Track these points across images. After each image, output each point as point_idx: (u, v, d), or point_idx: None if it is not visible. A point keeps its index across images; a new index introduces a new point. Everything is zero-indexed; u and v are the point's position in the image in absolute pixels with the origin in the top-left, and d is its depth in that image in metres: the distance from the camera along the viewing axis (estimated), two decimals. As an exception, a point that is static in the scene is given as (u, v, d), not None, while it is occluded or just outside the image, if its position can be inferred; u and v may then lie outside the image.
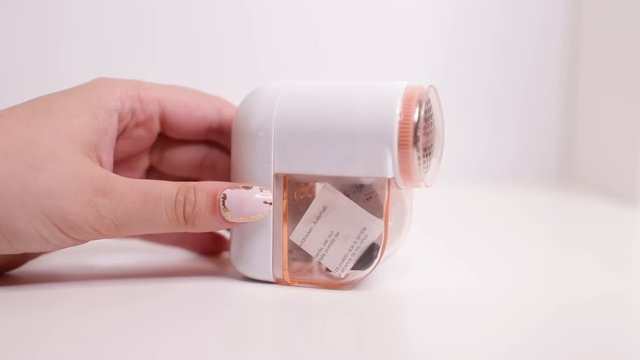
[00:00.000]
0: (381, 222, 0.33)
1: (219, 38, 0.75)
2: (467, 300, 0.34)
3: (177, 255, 0.42)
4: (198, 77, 0.72)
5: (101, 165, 0.35)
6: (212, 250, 0.42)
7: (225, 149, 0.40)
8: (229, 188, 0.33)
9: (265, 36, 0.75)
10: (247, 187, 0.34)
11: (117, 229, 0.32)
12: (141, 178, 0.40)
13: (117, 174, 0.38)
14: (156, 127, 0.38)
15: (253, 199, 0.33)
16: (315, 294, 0.34)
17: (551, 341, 0.29)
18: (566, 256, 0.45)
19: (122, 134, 0.37)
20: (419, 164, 0.33)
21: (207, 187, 0.33)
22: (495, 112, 0.79)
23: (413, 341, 0.30)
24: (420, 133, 0.32)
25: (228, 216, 0.33)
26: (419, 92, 0.33)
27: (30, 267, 0.38)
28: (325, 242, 0.34)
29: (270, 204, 0.34)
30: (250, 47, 0.75)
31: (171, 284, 0.36)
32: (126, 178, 0.33)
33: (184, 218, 0.33)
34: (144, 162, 0.40)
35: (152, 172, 0.41)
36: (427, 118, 0.33)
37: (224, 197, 0.33)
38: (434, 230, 0.53)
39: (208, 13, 0.74)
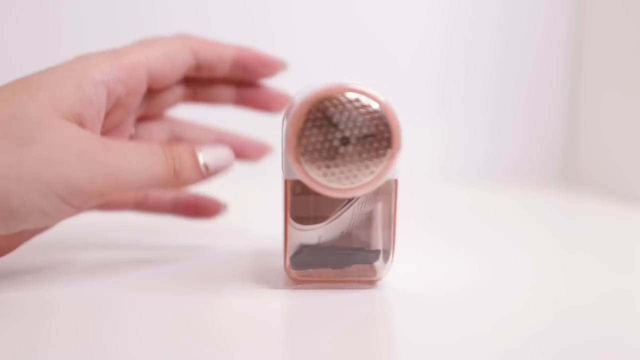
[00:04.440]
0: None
1: (219, 36, 0.74)
2: (471, 300, 0.34)
3: (173, 255, 0.42)
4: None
5: None
6: (205, 214, 0.44)
7: (202, 81, 0.42)
8: (200, 147, 0.36)
9: (265, 34, 0.75)
10: (212, 145, 0.37)
11: (119, 187, 0.33)
12: (127, 137, 0.41)
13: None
14: (144, 89, 0.38)
15: (224, 152, 0.37)
16: (324, 294, 0.34)
17: (556, 342, 0.29)
18: (569, 257, 0.45)
19: (114, 105, 0.37)
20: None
21: (183, 145, 0.36)
22: (498, 111, 0.79)
23: (417, 341, 0.29)
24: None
25: (205, 170, 0.36)
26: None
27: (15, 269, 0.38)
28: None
29: (233, 157, 0.37)
30: (250, 44, 0.75)
31: (170, 288, 0.35)
32: (116, 139, 0.34)
33: (174, 172, 0.35)
34: (132, 120, 0.40)
35: (140, 125, 0.42)
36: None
37: (200, 150, 0.36)
38: (435, 230, 0.52)
39: (209, 12, 0.73)
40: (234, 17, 0.74)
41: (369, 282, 0.36)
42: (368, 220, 0.35)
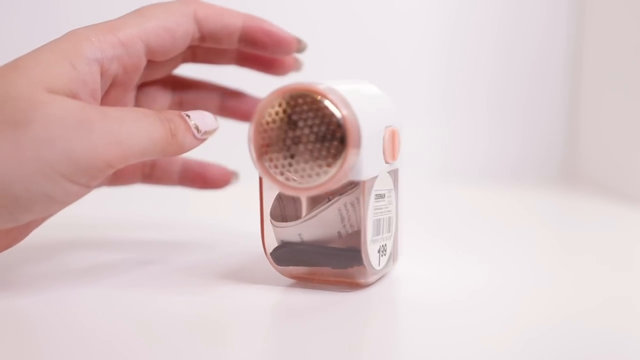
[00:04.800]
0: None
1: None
2: (472, 301, 0.34)
3: (172, 257, 0.42)
4: (197, 75, 0.71)
5: None
6: (214, 184, 0.43)
7: (204, 50, 0.40)
8: (183, 112, 0.35)
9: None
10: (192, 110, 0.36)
11: (124, 155, 0.31)
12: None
13: None
14: (143, 64, 0.36)
15: (207, 114, 0.36)
16: (320, 294, 0.34)
17: (558, 344, 0.28)
18: (570, 257, 0.45)
19: (112, 84, 0.36)
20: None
21: (170, 110, 0.35)
22: (498, 111, 0.79)
23: (418, 345, 0.29)
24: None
25: (197, 132, 0.35)
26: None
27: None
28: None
29: (216, 120, 0.37)
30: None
31: (170, 294, 0.35)
32: (109, 106, 0.33)
33: (171, 133, 0.33)
34: (131, 98, 0.39)
35: (141, 93, 0.41)
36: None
37: (188, 116, 0.35)
38: (436, 231, 0.52)
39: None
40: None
41: (348, 283, 0.35)
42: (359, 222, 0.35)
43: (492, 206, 0.63)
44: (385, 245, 0.36)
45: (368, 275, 0.35)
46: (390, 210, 0.36)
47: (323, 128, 0.32)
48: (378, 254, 0.35)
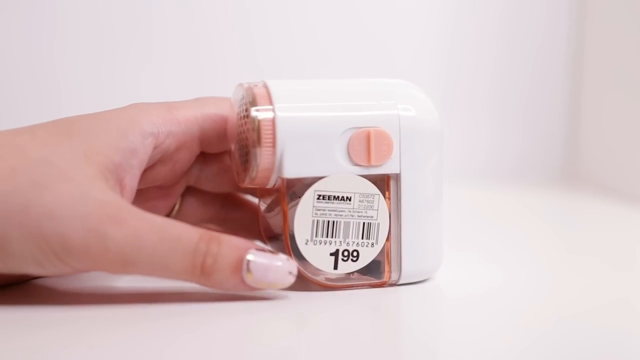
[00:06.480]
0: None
1: (217, 36, 0.74)
2: (473, 302, 0.34)
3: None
4: (196, 77, 0.71)
5: (122, 190, 0.32)
6: None
7: None
8: (255, 249, 0.31)
9: (264, 34, 0.74)
10: (273, 252, 0.32)
11: (122, 265, 0.30)
12: (177, 204, 0.39)
13: (152, 202, 0.37)
14: (196, 148, 0.36)
15: (280, 267, 0.31)
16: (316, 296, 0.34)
17: (562, 345, 0.28)
18: (571, 257, 0.45)
19: (160, 159, 0.35)
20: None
21: (234, 241, 0.31)
22: (499, 111, 0.79)
23: (420, 346, 0.29)
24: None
25: (249, 279, 0.31)
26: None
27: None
28: None
29: (295, 275, 0.31)
30: (249, 45, 0.74)
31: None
32: (143, 211, 0.31)
33: (201, 269, 0.30)
34: (180, 187, 0.38)
35: (189, 195, 0.39)
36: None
37: (250, 252, 0.31)
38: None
39: (206, 11, 0.73)
40: (233, 16, 0.74)
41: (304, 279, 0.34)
42: None
43: (492, 206, 0.63)
44: (355, 252, 0.34)
45: (318, 274, 0.34)
46: (371, 217, 0.34)
47: (248, 125, 0.33)
48: (331, 257, 0.33)
